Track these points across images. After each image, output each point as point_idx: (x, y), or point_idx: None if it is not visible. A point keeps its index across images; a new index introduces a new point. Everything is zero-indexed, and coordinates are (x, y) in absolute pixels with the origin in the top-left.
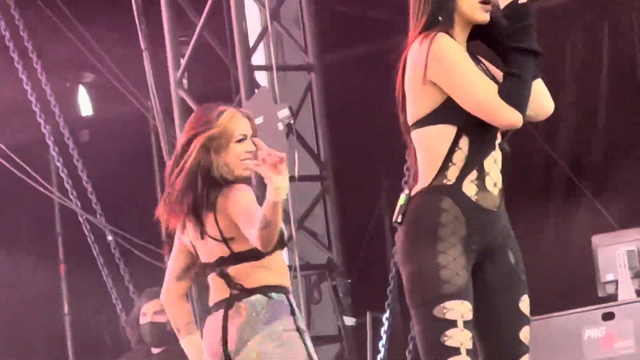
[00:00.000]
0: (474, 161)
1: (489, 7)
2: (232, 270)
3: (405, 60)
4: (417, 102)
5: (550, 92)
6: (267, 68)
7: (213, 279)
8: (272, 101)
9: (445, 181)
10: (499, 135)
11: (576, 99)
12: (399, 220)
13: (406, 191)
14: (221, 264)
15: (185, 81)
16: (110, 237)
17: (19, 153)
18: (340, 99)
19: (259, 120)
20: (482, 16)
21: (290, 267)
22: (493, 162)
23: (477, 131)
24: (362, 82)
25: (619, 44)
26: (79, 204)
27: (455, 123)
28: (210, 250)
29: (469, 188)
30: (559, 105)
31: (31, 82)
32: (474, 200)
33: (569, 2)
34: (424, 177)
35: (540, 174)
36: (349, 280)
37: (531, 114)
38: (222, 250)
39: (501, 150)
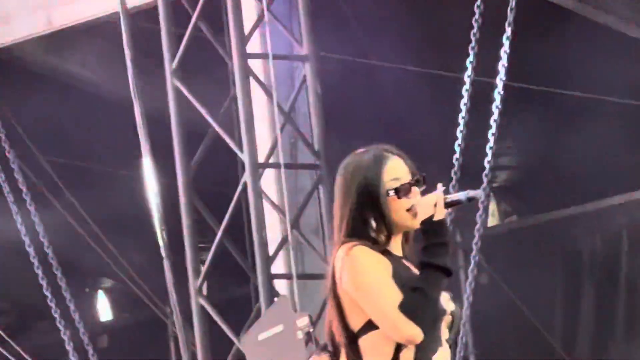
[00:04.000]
0: (425, 355)
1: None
2: None
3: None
4: (353, 310)
5: None
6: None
7: None
8: (292, 310)
9: None
10: (445, 332)
11: None
12: None
13: None
14: None
15: (204, 288)
16: None
17: (37, 357)
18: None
19: (278, 329)
20: (413, 223)
21: None
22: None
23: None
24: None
25: None
26: None
27: None
28: None
29: None
30: None
31: (51, 287)
32: None
33: None
34: None
35: None
36: None
37: None
38: None
39: (449, 343)
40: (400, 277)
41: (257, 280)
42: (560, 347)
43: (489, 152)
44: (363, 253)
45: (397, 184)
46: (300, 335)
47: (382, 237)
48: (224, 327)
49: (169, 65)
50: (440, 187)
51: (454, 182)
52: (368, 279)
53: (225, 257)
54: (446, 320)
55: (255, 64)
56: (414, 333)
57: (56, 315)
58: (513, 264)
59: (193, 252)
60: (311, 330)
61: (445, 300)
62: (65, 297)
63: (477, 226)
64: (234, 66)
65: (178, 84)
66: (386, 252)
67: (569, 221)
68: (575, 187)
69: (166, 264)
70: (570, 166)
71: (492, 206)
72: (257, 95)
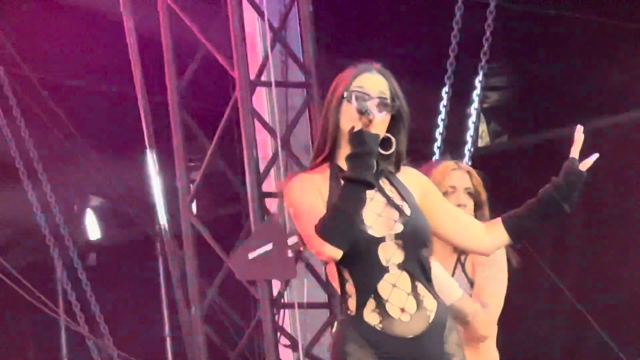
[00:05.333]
0: (365, 289)
1: (366, 120)
2: None
3: None
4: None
5: None
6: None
7: None
8: (282, 228)
9: (349, 312)
10: (396, 256)
11: None
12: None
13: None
14: None
15: (194, 206)
16: None
17: (26, 275)
18: None
19: (268, 247)
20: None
21: None
22: (391, 287)
23: (354, 259)
24: None
25: None
26: (86, 327)
27: None
28: None
29: (371, 317)
30: None
31: (40, 204)
32: (378, 329)
33: None
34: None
35: None
36: None
37: (482, 250)
38: None
39: (403, 268)
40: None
41: (247, 198)
42: (548, 268)
43: (480, 71)
44: (293, 184)
45: (359, 90)
46: (290, 253)
47: (328, 143)
48: (214, 245)
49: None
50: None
51: (445, 101)
52: (296, 211)
53: (215, 176)
54: (393, 244)
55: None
56: (327, 250)
57: (45, 233)
58: (504, 185)
59: (183, 170)
60: (301, 249)
61: (390, 222)
62: (54, 214)
63: (468, 145)
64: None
65: (169, 1)
66: (333, 165)
67: (562, 141)
68: (568, 106)
69: (155, 182)
70: (562, 85)
71: (482, 126)
72: (249, 12)
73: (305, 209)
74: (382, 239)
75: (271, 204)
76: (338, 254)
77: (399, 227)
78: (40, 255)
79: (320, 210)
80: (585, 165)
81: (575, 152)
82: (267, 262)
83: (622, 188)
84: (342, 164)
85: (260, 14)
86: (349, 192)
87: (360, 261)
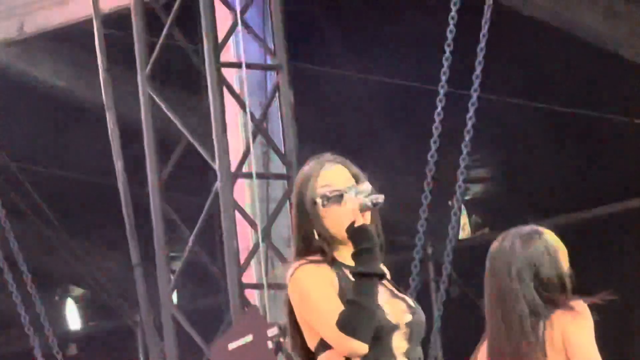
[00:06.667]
0: None
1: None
2: None
3: None
4: (307, 330)
5: None
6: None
7: None
8: (262, 319)
9: None
10: (402, 345)
11: None
12: None
13: None
14: None
15: (174, 297)
16: None
17: None
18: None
19: (248, 339)
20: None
21: None
22: None
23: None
24: None
25: None
26: None
27: None
28: None
29: None
30: None
31: (20, 294)
32: None
33: None
34: None
35: None
36: None
37: None
38: None
39: (408, 357)
40: (346, 292)
41: (228, 290)
42: None
43: (461, 163)
44: (304, 274)
45: (327, 190)
46: (270, 345)
47: (327, 248)
48: (195, 336)
49: (142, 72)
50: (354, 193)
51: (426, 193)
52: (309, 300)
53: (196, 267)
54: (402, 333)
55: (228, 74)
56: (354, 346)
57: (25, 322)
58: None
59: (164, 261)
60: (281, 340)
61: (400, 311)
62: (35, 304)
63: (449, 237)
64: (207, 75)
65: (150, 92)
66: (335, 263)
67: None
68: (547, 201)
69: (137, 272)
70: (543, 179)
71: (464, 219)
72: (230, 104)
73: (323, 300)
74: (396, 327)
75: (252, 295)
76: (364, 349)
77: (409, 317)
78: (20, 344)
79: (338, 302)
80: None
81: None
82: (247, 354)
83: None
84: (344, 260)
85: (242, 105)
86: (366, 287)
87: (374, 347)
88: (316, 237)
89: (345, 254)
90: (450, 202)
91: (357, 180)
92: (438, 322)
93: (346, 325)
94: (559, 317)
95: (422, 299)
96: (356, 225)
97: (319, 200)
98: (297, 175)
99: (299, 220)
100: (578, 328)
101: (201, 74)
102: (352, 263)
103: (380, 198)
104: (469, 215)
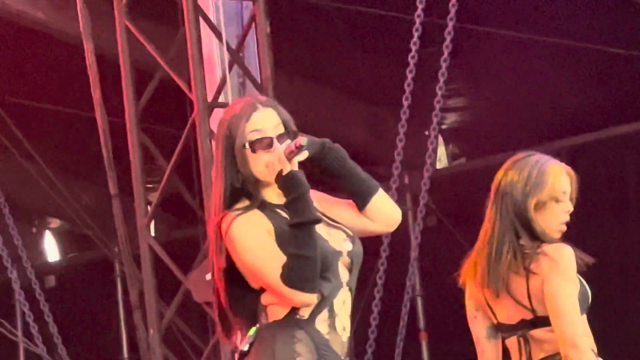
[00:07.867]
0: (324, 299)
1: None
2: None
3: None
4: (249, 276)
5: None
6: None
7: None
8: None
9: (297, 316)
10: (344, 274)
11: None
12: (245, 349)
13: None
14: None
15: (152, 227)
16: None
17: None
18: None
19: None
20: (272, 179)
21: None
22: (342, 304)
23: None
24: None
25: None
26: (44, 348)
27: None
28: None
29: (322, 326)
30: None
31: None
32: (326, 337)
33: None
34: (276, 313)
35: None
36: None
37: (381, 228)
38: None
39: (349, 286)
40: (283, 234)
41: (205, 221)
42: None
43: (438, 92)
44: (238, 228)
45: (257, 136)
46: None
47: (255, 191)
48: (172, 266)
49: (119, 4)
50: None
51: (403, 122)
52: (251, 258)
53: (173, 197)
54: (344, 261)
55: (204, 4)
56: (302, 299)
57: (3, 254)
58: (461, 207)
59: (141, 191)
60: None
61: (340, 240)
62: (13, 235)
63: (426, 166)
64: (183, 4)
65: (127, 22)
66: (266, 206)
67: None
68: (525, 130)
69: (115, 203)
70: (520, 108)
71: (441, 149)
72: (207, 36)
73: (264, 256)
74: (340, 253)
75: None
76: (313, 299)
77: (349, 245)
78: None
79: (280, 255)
80: None
81: None
82: None
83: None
84: (272, 200)
85: (218, 35)
86: (304, 236)
87: (324, 279)
88: (240, 181)
89: (271, 193)
90: (426, 132)
91: (286, 127)
92: (415, 251)
93: (292, 279)
94: (539, 263)
95: (400, 228)
96: (284, 173)
97: (247, 146)
98: (226, 112)
99: (226, 162)
100: (553, 274)
101: (178, 6)
102: (281, 201)
103: (303, 140)
104: (446, 145)
